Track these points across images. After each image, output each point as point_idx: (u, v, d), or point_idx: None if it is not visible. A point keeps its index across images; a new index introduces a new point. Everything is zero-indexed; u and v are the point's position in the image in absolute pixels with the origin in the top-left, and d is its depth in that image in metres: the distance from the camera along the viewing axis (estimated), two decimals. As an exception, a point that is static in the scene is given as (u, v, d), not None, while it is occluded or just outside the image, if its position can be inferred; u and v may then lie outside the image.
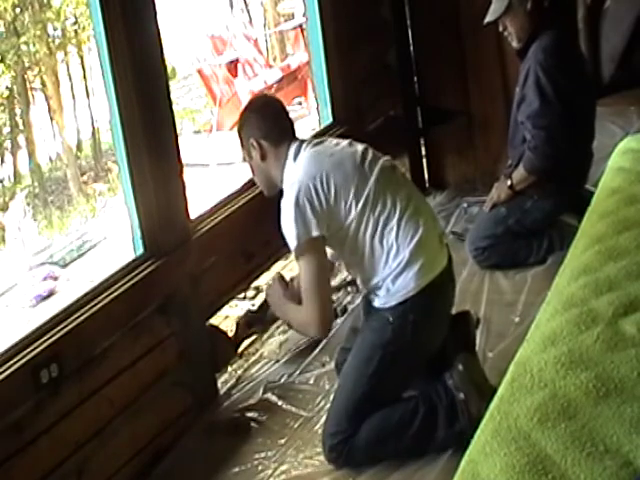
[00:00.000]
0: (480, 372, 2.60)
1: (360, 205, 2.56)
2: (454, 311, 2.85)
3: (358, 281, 2.73)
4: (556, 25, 3.70)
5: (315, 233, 2.52)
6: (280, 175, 2.71)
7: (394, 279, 2.55)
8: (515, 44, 3.60)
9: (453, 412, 2.50)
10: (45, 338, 2.43)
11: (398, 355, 2.57)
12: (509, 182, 3.63)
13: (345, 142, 2.76)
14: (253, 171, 2.86)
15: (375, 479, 2.55)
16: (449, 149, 4.66)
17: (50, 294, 7.18)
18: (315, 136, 3.87)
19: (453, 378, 2.52)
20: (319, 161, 2.62)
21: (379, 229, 2.56)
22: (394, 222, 2.56)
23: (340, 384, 2.71)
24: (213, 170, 8.39)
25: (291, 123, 2.80)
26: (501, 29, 3.58)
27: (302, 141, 2.73)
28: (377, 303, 2.62)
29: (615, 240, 2.36)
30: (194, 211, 3.03)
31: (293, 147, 2.69)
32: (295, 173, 2.63)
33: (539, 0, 3.53)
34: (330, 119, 3.99)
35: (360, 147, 2.71)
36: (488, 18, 3.57)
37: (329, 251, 2.68)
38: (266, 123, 2.74)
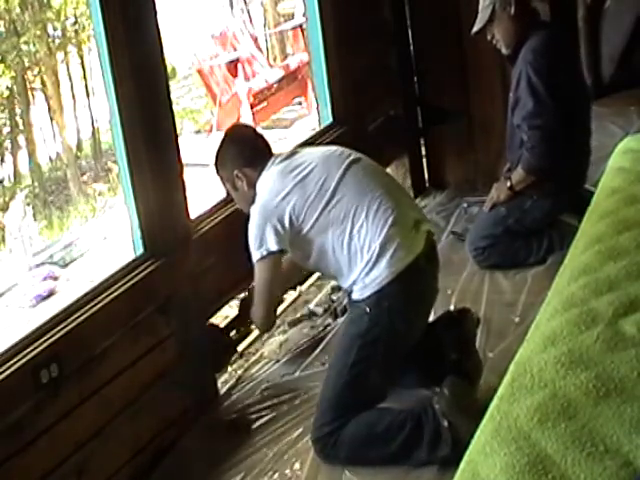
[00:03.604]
0: (468, 395, 2.54)
1: (325, 209, 2.62)
2: (455, 309, 2.86)
3: (337, 282, 2.76)
4: (548, 25, 3.71)
5: (273, 248, 2.66)
6: None
7: (368, 272, 2.58)
8: (504, 50, 3.60)
9: (437, 437, 2.48)
10: (45, 338, 2.44)
11: (377, 343, 2.59)
12: (508, 183, 3.63)
13: (315, 150, 2.85)
14: (239, 202, 2.91)
15: (372, 477, 2.55)
16: (449, 149, 4.66)
17: (50, 294, 7.17)
18: (313, 137, 3.89)
19: (440, 403, 2.50)
20: (282, 178, 2.69)
21: (348, 229, 2.60)
22: (362, 218, 2.59)
23: (326, 376, 2.74)
24: (213, 170, 8.39)
25: (267, 145, 2.87)
26: (489, 37, 3.59)
27: (276, 156, 2.80)
28: (355, 296, 2.65)
29: (615, 240, 2.36)
30: (194, 211, 3.03)
31: (268, 163, 2.77)
32: (262, 185, 2.72)
33: (523, 3, 3.54)
34: (330, 119, 3.99)
35: (330, 151, 2.78)
36: (475, 28, 3.57)
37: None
38: (246, 151, 2.82)
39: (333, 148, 2.83)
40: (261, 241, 2.65)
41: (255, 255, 2.69)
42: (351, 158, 2.74)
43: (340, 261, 2.64)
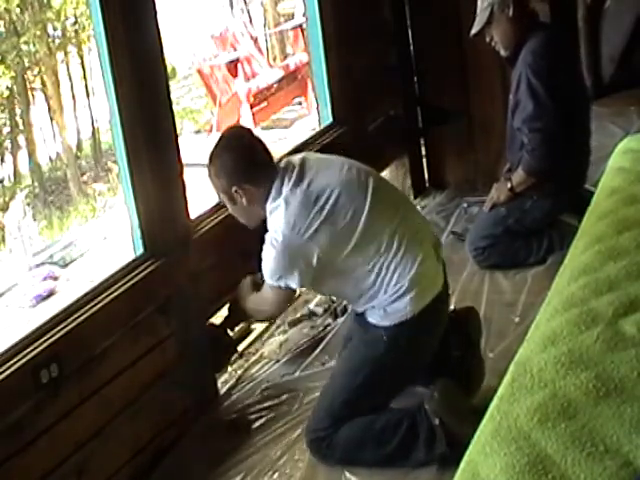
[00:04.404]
0: (458, 396, 2.55)
1: (356, 246, 2.48)
2: (460, 309, 2.86)
3: (350, 304, 2.70)
4: (547, 27, 3.70)
5: (294, 286, 2.56)
6: (265, 210, 2.57)
7: (391, 303, 2.52)
8: (503, 52, 3.59)
9: (432, 436, 2.48)
10: (45, 338, 2.43)
11: (388, 371, 2.57)
12: (509, 184, 3.63)
13: (328, 166, 2.60)
14: (236, 213, 2.71)
15: (372, 477, 2.55)
16: (449, 149, 4.66)
17: (50, 294, 7.19)
18: (313, 137, 3.88)
19: (429, 404, 2.50)
20: (306, 211, 2.45)
21: (378, 264, 2.50)
22: (392, 254, 2.50)
23: (327, 385, 2.72)
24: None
25: (268, 153, 2.61)
26: (488, 39, 3.57)
27: (284, 170, 2.54)
28: (371, 319, 2.59)
29: (615, 240, 2.36)
30: (194, 211, 3.02)
31: (276, 181, 2.52)
32: (281, 216, 2.47)
33: (521, 5, 3.53)
34: (330, 119, 3.99)
35: (345, 171, 2.56)
36: (473, 30, 3.56)
37: None
38: (245, 165, 2.56)
39: (346, 166, 2.59)
40: (281, 277, 2.50)
41: (271, 282, 2.55)
42: (372, 185, 2.54)
43: (361, 291, 2.56)
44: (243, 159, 2.58)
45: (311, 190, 2.49)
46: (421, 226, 2.68)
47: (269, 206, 2.53)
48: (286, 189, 2.50)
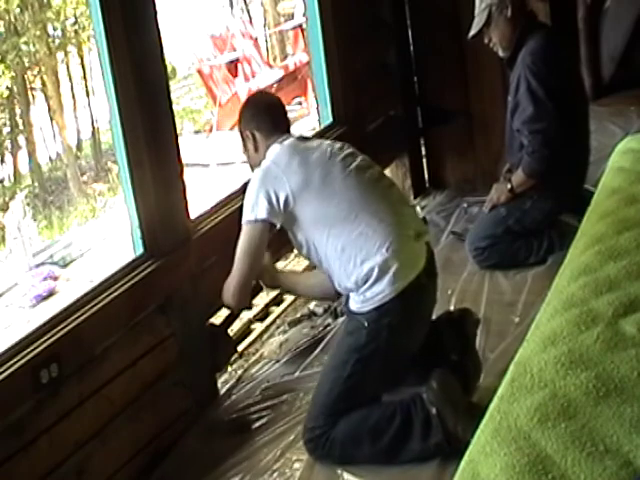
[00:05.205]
0: (456, 388, 2.55)
1: (322, 203, 2.58)
2: (455, 310, 2.85)
3: (334, 283, 2.73)
4: (545, 28, 3.70)
5: (262, 216, 2.61)
6: None
7: (370, 287, 2.53)
8: (501, 53, 3.59)
9: (428, 426, 2.49)
10: (45, 338, 2.43)
11: (374, 358, 2.57)
12: (509, 185, 3.63)
13: (328, 141, 2.82)
14: (248, 160, 2.91)
15: (371, 475, 2.55)
16: (449, 149, 4.66)
17: (50, 294, 7.19)
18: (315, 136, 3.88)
19: (427, 393, 2.51)
20: (291, 153, 2.68)
21: (343, 235, 2.55)
22: (360, 229, 2.54)
23: (319, 382, 2.72)
24: (213, 170, 8.41)
25: (286, 119, 2.87)
26: (486, 41, 3.57)
27: (292, 134, 2.80)
28: (353, 306, 2.60)
29: (615, 240, 2.36)
30: (194, 211, 3.03)
31: (282, 137, 2.75)
32: (270, 153, 2.72)
33: (519, 5, 3.52)
34: (330, 119, 3.99)
35: (336, 148, 2.74)
36: (471, 32, 3.56)
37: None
38: (259, 114, 2.82)
39: (339, 146, 2.75)
40: (254, 206, 2.61)
41: (245, 217, 2.65)
42: (355, 165, 2.67)
43: (331, 263, 2.60)
44: (259, 109, 2.86)
45: (301, 144, 2.74)
46: (402, 212, 2.68)
47: (268, 152, 2.74)
48: (289, 139, 2.75)
